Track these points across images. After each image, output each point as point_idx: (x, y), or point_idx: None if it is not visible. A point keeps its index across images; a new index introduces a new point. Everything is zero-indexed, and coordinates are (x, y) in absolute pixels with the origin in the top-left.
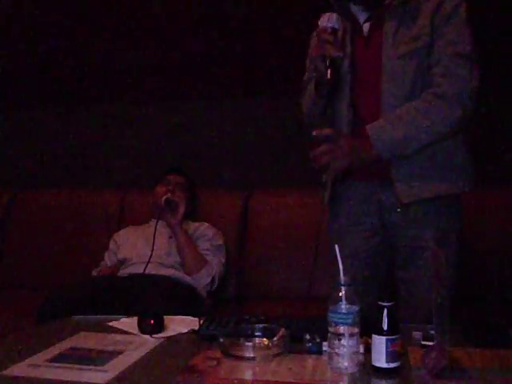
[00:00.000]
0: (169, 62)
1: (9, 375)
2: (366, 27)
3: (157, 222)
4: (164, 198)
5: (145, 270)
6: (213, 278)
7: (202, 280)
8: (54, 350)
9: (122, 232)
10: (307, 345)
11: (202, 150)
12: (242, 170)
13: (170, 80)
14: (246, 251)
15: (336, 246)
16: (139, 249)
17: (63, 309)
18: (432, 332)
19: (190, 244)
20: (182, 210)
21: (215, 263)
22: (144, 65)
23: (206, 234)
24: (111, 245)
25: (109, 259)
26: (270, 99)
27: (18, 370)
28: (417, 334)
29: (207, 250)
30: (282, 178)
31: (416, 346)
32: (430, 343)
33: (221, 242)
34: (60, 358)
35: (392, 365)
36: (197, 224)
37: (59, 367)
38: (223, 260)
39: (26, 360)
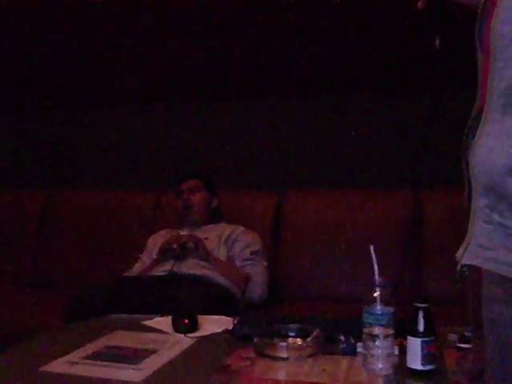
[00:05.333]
0: (198, 64)
1: (47, 371)
2: None
3: (175, 262)
4: (177, 243)
5: (172, 267)
6: (246, 283)
7: (252, 294)
8: (91, 348)
9: (159, 233)
10: (341, 346)
11: (235, 150)
12: (275, 170)
13: (202, 82)
14: (279, 252)
15: (371, 247)
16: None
17: (90, 308)
18: (468, 334)
19: (226, 266)
20: (201, 243)
21: (259, 272)
22: (179, 67)
23: (241, 238)
24: (150, 243)
25: (147, 257)
26: (302, 100)
27: (56, 366)
28: (453, 336)
29: (247, 259)
30: (315, 178)
31: (452, 348)
32: (467, 346)
33: (258, 246)
34: (96, 356)
35: (427, 367)
36: (232, 227)
37: (95, 365)
38: (265, 264)
39: (64, 357)
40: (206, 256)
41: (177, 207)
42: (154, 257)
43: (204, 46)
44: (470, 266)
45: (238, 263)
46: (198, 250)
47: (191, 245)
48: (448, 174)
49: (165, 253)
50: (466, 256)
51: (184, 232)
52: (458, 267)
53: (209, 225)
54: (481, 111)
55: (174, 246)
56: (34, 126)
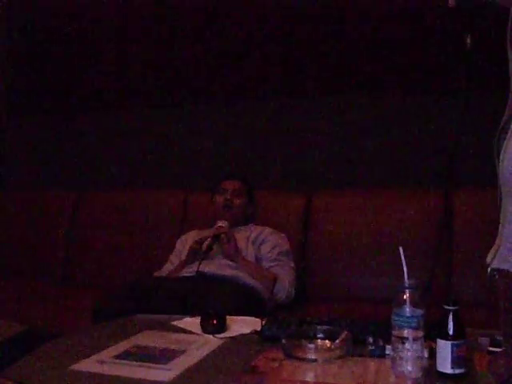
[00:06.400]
0: (229, 64)
1: (77, 370)
2: None
3: (207, 252)
4: (215, 230)
5: (198, 268)
6: (274, 283)
7: (278, 295)
8: (120, 347)
9: (188, 235)
10: (370, 348)
11: (264, 150)
12: (303, 171)
13: (231, 83)
14: (308, 252)
15: (400, 248)
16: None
17: (119, 307)
18: (499, 338)
19: (253, 266)
20: (233, 240)
21: (286, 272)
22: (202, 66)
23: (269, 239)
24: (178, 245)
25: (175, 259)
26: (331, 100)
27: (86, 365)
28: (483, 340)
29: (274, 260)
30: (343, 178)
31: (483, 352)
32: (498, 349)
33: (286, 246)
34: (125, 355)
35: (457, 370)
36: (260, 228)
37: (124, 364)
38: (292, 264)
39: (93, 356)
40: (235, 254)
41: (216, 202)
42: (183, 258)
43: (220, 44)
44: (500, 270)
45: (265, 264)
46: (229, 244)
47: (224, 238)
48: (479, 174)
49: (194, 251)
50: (496, 260)
51: (222, 224)
52: (489, 271)
53: (239, 227)
54: (511, 114)
55: (206, 242)
56: (64, 128)
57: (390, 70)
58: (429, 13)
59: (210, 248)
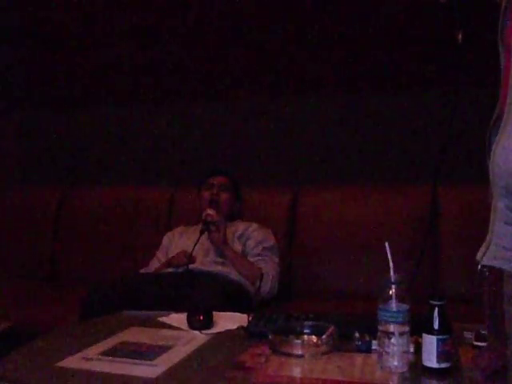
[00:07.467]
0: (215, 63)
1: (63, 367)
2: None
3: (199, 236)
4: (203, 217)
5: (187, 267)
6: (261, 279)
7: (261, 290)
8: (106, 344)
9: (175, 231)
10: (356, 343)
11: (250, 147)
12: (289, 166)
13: (216, 80)
14: (294, 248)
15: (386, 243)
16: (187, 249)
17: (105, 304)
18: (484, 332)
19: (239, 258)
20: (223, 229)
21: (270, 267)
22: (196, 65)
23: (255, 235)
24: (165, 241)
25: (162, 255)
26: (318, 95)
27: (72, 362)
28: (468, 334)
29: (259, 255)
30: (330, 173)
31: (468, 346)
32: (483, 344)
33: (272, 242)
34: (112, 352)
35: (443, 365)
36: (246, 224)
37: (111, 361)
38: (277, 260)
39: (80, 353)
40: (223, 242)
41: (203, 198)
42: (170, 255)
43: (206, 43)
44: (489, 266)
45: (249, 258)
46: (219, 231)
47: (215, 221)
48: (467, 170)
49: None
50: (486, 257)
51: (210, 211)
52: (479, 268)
53: (226, 222)
54: (502, 111)
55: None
56: (49, 124)
57: (380, 66)
58: (420, 8)
59: (201, 233)
